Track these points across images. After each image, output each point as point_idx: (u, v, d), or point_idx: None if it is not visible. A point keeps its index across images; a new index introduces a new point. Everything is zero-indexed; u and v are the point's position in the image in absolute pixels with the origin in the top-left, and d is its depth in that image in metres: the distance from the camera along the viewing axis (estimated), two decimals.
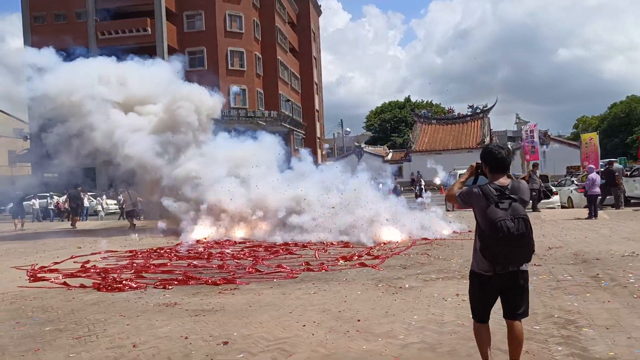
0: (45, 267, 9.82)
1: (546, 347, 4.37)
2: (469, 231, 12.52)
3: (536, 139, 23.04)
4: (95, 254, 11.59)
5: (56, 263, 10.31)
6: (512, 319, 3.53)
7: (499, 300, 3.61)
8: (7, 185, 32.21)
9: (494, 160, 3.54)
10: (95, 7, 38.74)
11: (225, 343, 4.85)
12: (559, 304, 5.67)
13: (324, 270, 8.42)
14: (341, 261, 9.18)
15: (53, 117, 16.16)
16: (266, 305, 6.27)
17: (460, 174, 21.10)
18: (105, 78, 16.29)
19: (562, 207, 19.61)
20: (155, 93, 16.71)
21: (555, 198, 19.03)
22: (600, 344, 4.37)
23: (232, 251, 11.06)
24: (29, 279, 8.66)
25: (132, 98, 16.46)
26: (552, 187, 19.44)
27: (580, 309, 5.43)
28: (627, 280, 6.63)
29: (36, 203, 28.37)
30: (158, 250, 11.60)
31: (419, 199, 18.75)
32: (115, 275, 8.52)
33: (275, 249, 11.07)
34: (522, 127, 25.01)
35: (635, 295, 5.83)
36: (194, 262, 9.70)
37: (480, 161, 3.69)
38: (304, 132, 49.20)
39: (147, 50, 30.60)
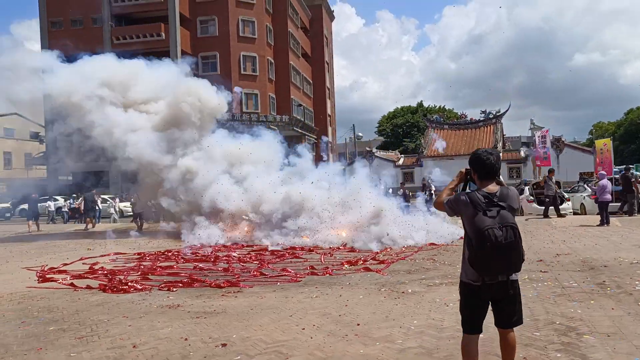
0: (55, 268, 9.95)
1: (545, 354, 4.33)
2: None
3: (548, 145, 22.84)
4: (104, 256, 11.73)
5: (65, 264, 10.44)
6: (503, 328, 3.45)
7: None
8: (23, 188, 32.81)
9: (482, 166, 3.40)
10: (110, 12, 39.34)
11: (224, 345, 4.88)
12: (561, 310, 5.61)
13: (328, 275, 8.43)
14: (346, 265, 9.18)
15: (54, 118, 16.37)
16: (268, 308, 6.30)
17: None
18: (108, 77, 16.28)
19: (575, 213, 19.38)
20: (159, 90, 16.69)
21: (568, 204, 18.80)
22: (601, 352, 4.32)
23: (238, 254, 11.11)
24: (38, 280, 8.79)
25: (135, 96, 16.45)
26: (564, 194, 19.23)
27: (583, 316, 5.37)
28: (633, 287, 6.54)
29: (51, 205, 28.83)
30: (166, 253, 11.70)
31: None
32: (121, 277, 8.61)
33: (281, 252, 11.10)
34: (535, 132, 24.80)
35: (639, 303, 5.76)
36: (200, 265, 9.77)
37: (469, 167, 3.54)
38: (315, 137, 49.29)
39: (161, 55, 30.78)
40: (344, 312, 5.94)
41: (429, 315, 5.66)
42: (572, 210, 19.23)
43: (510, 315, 3.39)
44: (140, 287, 7.77)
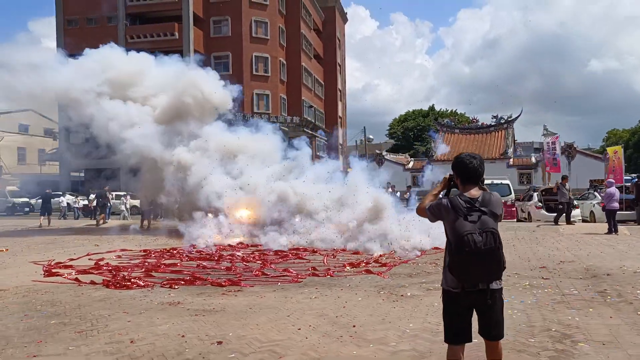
0: (61, 263, 10.10)
1: None
2: None
3: (558, 151, 22.68)
4: (111, 252, 11.87)
5: (72, 259, 10.59)
6: (486, 338, 3.33)
7: None
8: (36, 184, 33.32)
9: (464, 170, 3.32)
10: (125, 11, 39.78)
11: (220, 343, 4.93)
12: (559, 317, 5.59)
13: (329, 276, 8.46)
14: (348, 267, 9.20)
15: (64, 114, 16.49)
16: (266, 307, 6.35)
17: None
18: (109, 70, 16.27)
19: (584, 221, 19.23)
20: (161, 83, 16.65)
21: (577, 212, 18.65)
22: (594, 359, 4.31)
23: (242, 254, 11.18)
24: (44, 274, 8.93)
25: (135, 88, 16.45)
26: (574, 201, 19.07)
27: (580, 323, 5.35)
28: (634, 297, 6.50)
29: (64, 200, 29.24)
30: (171, 251, 11.81)
31: None
32: (125, 274, 8.71)
33: (285, 253, 11.15)
34: (545, 138, 24.65)
35: (639, 313, 5.71)
36: (204, 263, 9.85)
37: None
38: (326, 139, 49.33)
39: (174, 54, 31.26)
40: (341, 314, 5.97)
41: (425, 319, 5.67)
42: (581, 218, 19.09)
43: (490, 326, 3.25)
44: (142, 284, 7.86)
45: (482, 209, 3.16)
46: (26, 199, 33.23)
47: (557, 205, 17.81)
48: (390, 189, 21.38)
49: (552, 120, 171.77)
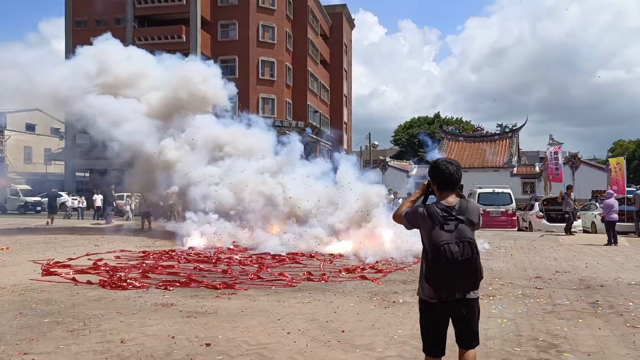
0: (60, 262, 10.19)
1: None
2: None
3: (560, 161, 22.65)
4: (110, 252, 11.96)
5: (71, 259, 10.68)
6: (461, 347, 3.27)
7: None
8: (42, 183, 33.61)
9: (441, 176, 3.22)
10: (134, 13, 40.13)
11: (208, 345, 4.98)
12: (547, 327, 5.61)
13: (323, 281, 8.50)
14: (343, 273, 9.24)
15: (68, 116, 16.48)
16: (258, 311, 6.40)
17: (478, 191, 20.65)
18: (100, 66, 16.17)
19: (585, 231, 19.19)
20: (155, 77, 16.56)
21: (577, 222, 18.60)
22: None
23: (240, 257, 11.24)
24: (42, 273, 9.02)
25: (128, 83, 16.36)
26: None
27: (568, 334, 5.37)
28: (625, 308, 6.50)
29: (69, 200, 29.50)
30: (170, 252, 11.89)
31: None
32: (122, 274, 8.79)
33: (282, 257, 11.20)
34: (549, 148, 24.63)
35: (628, 324, 5.72)
36: (201, 266, 9.92)
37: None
38: (330, 144, 49.41)
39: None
40: (332, 319, 6.02)
41: (414, 326, 5.69)
42: (581, 228, 19.05)
43: (466, 335, 3.22)
44: (138, 285, 7.93)
45: (459, 217, 3.10)
46: (38, 198, 33.53)
47: (562, 215, 17.80)
48: (392, 196, 21.43)
49: (558, 130, 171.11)
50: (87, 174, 39.43)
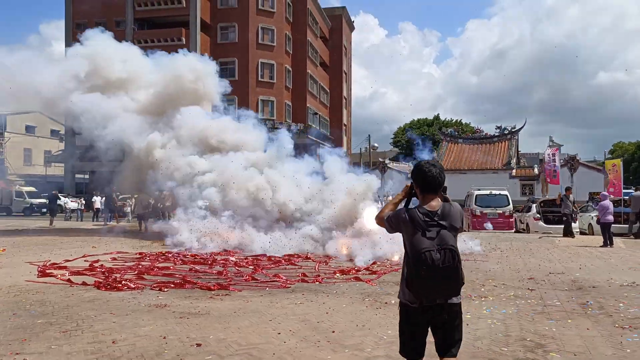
0: (56, 264, 10.24)
1: None
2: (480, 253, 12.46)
3: (557, 163, 22.71)
4: (107, 254, 12.01)
5: (67, 260, 10.73)
6: (441, 355, 3.17)
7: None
8: (41, 185, 33.70)
9: (423, 178, 3.12)
10: (134, 16, 40.25)
11: (199, 345, 5.03)
12: (536, 328, 5.66)
13: (318, 282, 8.55)
14: (338, 274, 9.29)
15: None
16: (250, 312, 6.45)
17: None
18: (89, 63, 16.15)
19: (582, 233, 19.21)
20: (147, 72, 16.49)
21: (574, 224, 18.60)
22: None
23: (236, 259, 11.29)
24: (38, 274, 9.07)
25: (119, 80, 16.26)
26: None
27: (556, 334, 5.41)
28: (615, 309, 6.55)
29: (68, 202, 29.60)
30: (166, 254, 11.94)
31: None
32: (118, 275, 8.84)
33: (278, 259, 11.25)
34: (546, 150, 24.68)
35: (617, 325, 5.77)
36: (196, 267, 9.97)
37: None
38: (330, 146, 49.48)
39: None
40: (323, 320, 6.06)
41: None
42: (578, 230, 19.06)
43: (446, 342, 3.14)
44: (133, 286, 7.98)
45: (442, 222, 3.02)
46: (44, 200, 33.66)
47: (560, 217, 17.81)
48: (390, 198, 21.45)
49: (559, 132, 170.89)
50: (87, 176, 39.53)
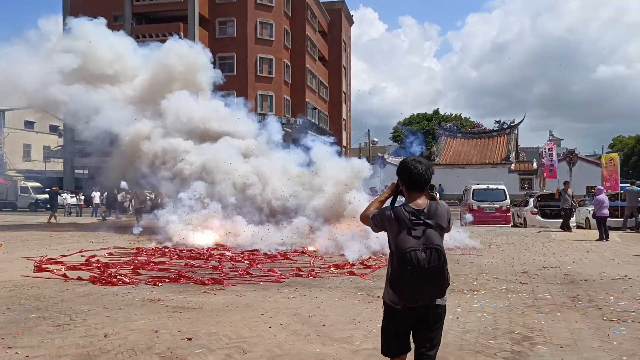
0: (53, 259, 10.30)
1: None
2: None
3: (555, 157, 22.72)
4: (104, 249, 12.07)
5: (64, 256, 10.79)
6: (418, 358, 3.02)
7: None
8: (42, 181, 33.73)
9: (409, 176, 3.03)
10: (132, 11, 40.19)
11: (189, 339, 5.08)
12: (525, 321, 5.71)
13: (312, 277, 8.60)
14: (332, 269, 9.34)
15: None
16: (243, 306, 6.50)
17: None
18: (79, 55, 16.01)
19: (579, 227, 19.26)
20: (137, 62, 16.43)
21: (572, 218, 18.66)
22: None
23: (232, 254, 11.34)
24: (34, 269, 9.12)
25: (109, 71, 16.17)
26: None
27: (544, 327, 5.46)
28: (605, 302, 6.59)
29: (68, 197, 29.64)
30: (163, 249, 12.00)
31: None
32: (113, 270, 8.89)
33: (273, 254, 11.30)
34: (543, 144, 24.71)
35: (605, 318, 5.82)
36: (192, 262, 10.02)
37: None
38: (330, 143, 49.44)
39: None
40: (315, 313, 6.11)
41: None
42: (575, 224, 19.11)
43: (426, 345, 3.02)
44: (128, 281, 8.03)
45: (428, 221, 2.94)
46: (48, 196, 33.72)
47: (558, 211, 17.84)
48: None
49: (559, 126, 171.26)
50: (87, 172, 39.58)
